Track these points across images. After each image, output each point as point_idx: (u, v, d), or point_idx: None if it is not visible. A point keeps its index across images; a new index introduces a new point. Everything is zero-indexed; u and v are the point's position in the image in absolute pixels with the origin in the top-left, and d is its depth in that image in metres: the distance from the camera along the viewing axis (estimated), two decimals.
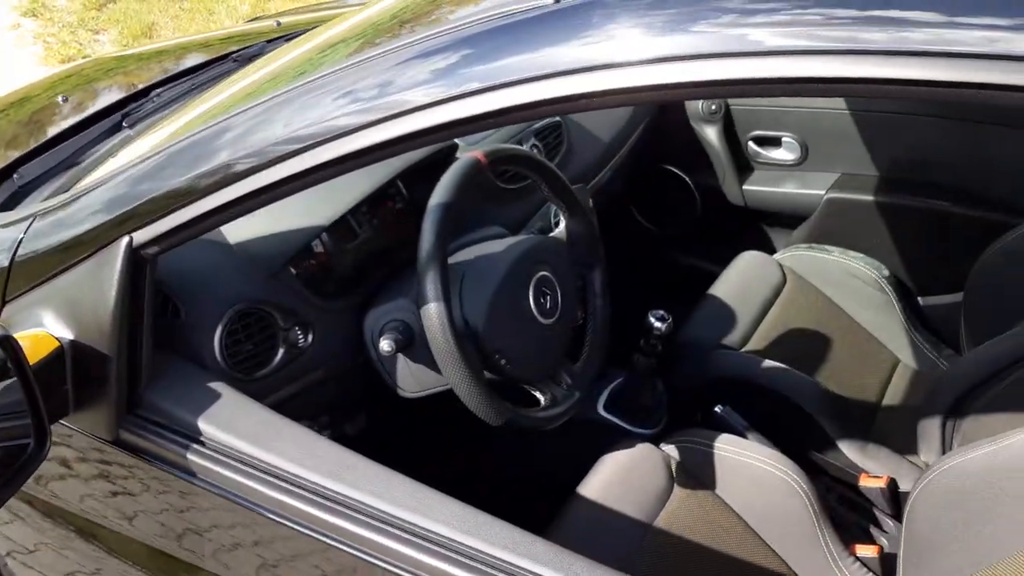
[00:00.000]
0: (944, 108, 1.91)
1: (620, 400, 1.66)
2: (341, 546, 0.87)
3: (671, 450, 1.50)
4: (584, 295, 1.42)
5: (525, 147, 1.62)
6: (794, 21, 0.68)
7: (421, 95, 0.86)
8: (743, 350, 1.76)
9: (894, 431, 1.68)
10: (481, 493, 1.91)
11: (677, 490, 1.45)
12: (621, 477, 1.44)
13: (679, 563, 1.37)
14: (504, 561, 0.81)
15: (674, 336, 1.72)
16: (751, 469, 1.46)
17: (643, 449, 1.48)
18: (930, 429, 1.52)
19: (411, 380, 1.24)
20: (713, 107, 2.13)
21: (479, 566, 0.81)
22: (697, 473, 1.47)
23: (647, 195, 2.34)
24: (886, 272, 1.97)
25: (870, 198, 2.02)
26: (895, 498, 1.57)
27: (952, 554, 1.25)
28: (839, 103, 2.00)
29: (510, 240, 1.27)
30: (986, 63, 0.61)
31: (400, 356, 1.23)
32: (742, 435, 1.58)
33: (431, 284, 1.05)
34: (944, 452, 1.52)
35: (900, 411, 1.73)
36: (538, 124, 1.69)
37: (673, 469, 1.47)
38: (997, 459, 1.20)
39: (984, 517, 1.21)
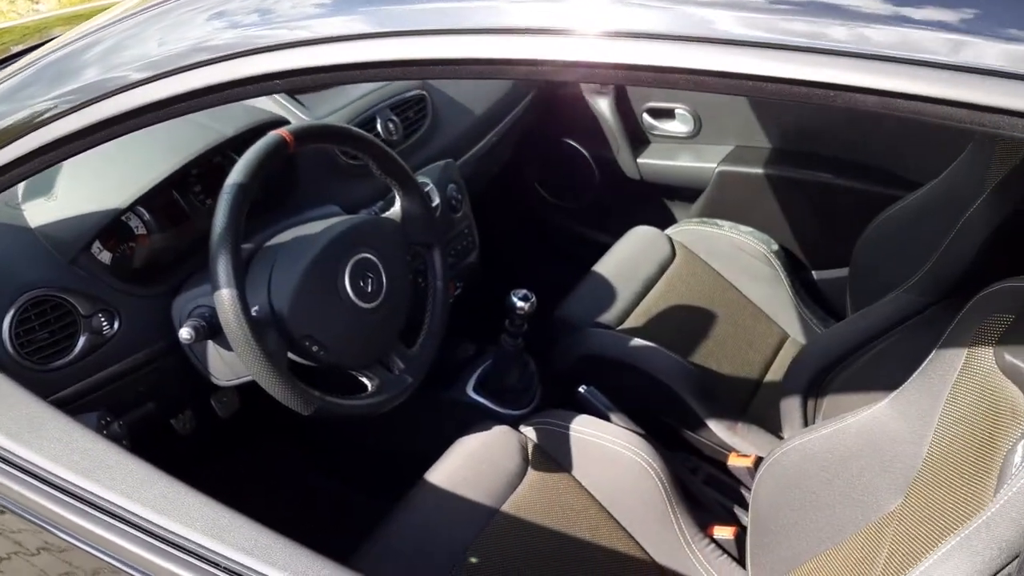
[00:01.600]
0: None
1: (489, 381, 1.63)
2: (85, 547, 0.83)
3: (529, 432, 1.47)
4: (425, 277, 1.38)
5: (379, 121, 1.57)
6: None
7: (308, 29, 0.73)
8: (620, 328, 1.73)
9: (769, 408, 1.66)
10: (343, 467, 1.89)
11: (531, 473, 1.42)
12: (472, 460, 1.41)
13: (526, 545, 1.34)
14: (246, 567, 0.77)
15: (553, 314, 1.69)
16: (606, 451, 1.44)
17: (498, 432, 1.45)
18: (791, 407, 1.50)
19: (223, 368, 1.20)
20: None
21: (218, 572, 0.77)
22: (553, 455, 1.45)
23: (549, 169, 2.30)
24: (775, 246, 1.95)
25: (760, 171, 1.98)
26: None
27: (793, 536, 1.24)
28: None
29: (330, 221, 1.22)
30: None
31: (211, 343, 1.19)
32: (605, 416, 1.56)
33: (221, 269, 1.00)
34: (809, 418, 1.50)
35: (781, 388, 1.71)
36: (397, 97, 1.63)
37: (529, 451, 1.44)
38: (834, 440, 1.19)
39: (823, 499, 1.20)
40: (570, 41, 0.64)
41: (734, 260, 1.92)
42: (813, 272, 2.00)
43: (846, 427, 1.18)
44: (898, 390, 1.13)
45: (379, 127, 1.58)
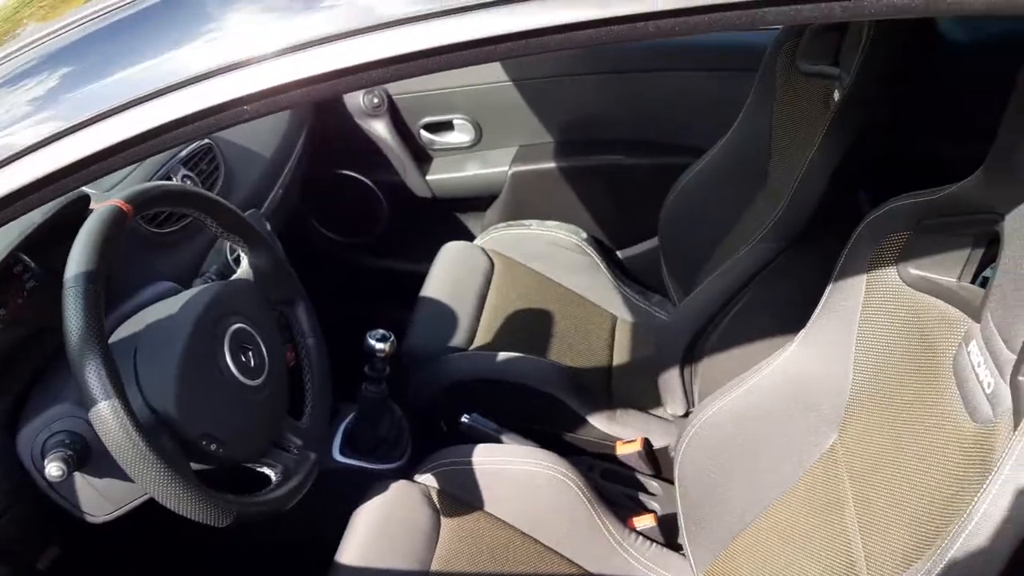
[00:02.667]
0: (598, 63, 1.92)
1: (357, 438, 1.47)
2: None
3: (428, 479, 1.35)
4: (292, 337, 1.21)
5: (175, 180, 1.36)
6: None
7: (27, 135, 0.66)
8: (472, 348, 1.64)
9: (634, 390, 1.66)
10: None
11: (445, 522, 1.30)
12: (380, 528, 1.26)
13: None
14: None
15: (398, 352, 1.56)
16: (515, 475, 1.35)
17: (396, 489, 1.31)
18: (669, 381, 1.51)
19: (100, 501, 0.96)
20: (375, 100, 1.98)
21: None
22: (461, 496, 1.33)
23: (328, 205, 2.15)
24: (584, 235, 1.96)
25: (551, 165, 1.99)
26: (652, 457, 1.55)
27: (734, 502, 1.22)
28: (503, 76, 1.95)
29: (186, 295, 1.02)
30: None
31: (78, 475, 0.94)
32: (496, 439, 1.47)
33: (94, 378, 0.79)
34: (687, 399, 1.52)
35: (633, 367, 1.72)
36: (183, 151, 1.42)
37: (435, 500, 1.31)
38: (752, 396, 1.19)
39: (755, 456, 1.20)
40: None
41: (550, 256, 1.91)
42: (619, 252, 2.04)
43: (761, 380, 1.19)
44: (805, 329, 1.16)
45: None
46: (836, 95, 1.40)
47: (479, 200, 2.09)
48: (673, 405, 1.53)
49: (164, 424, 0.89)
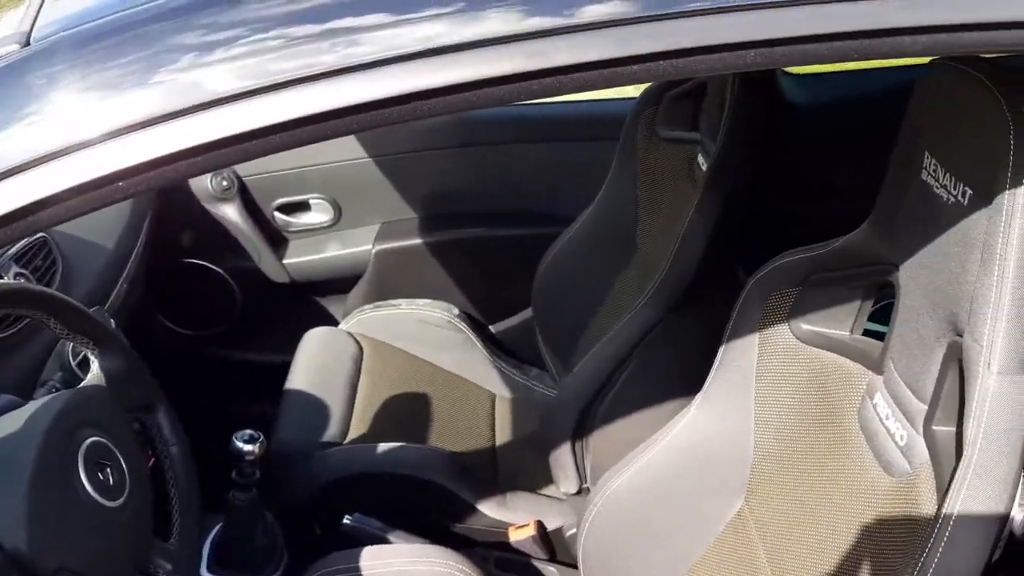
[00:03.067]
0: (458, 136, 1.89)
1: (226, 552, 1.32)
2: None
3: None
4: (153, 446, 1.07)
5: (6, 279, 1.20)
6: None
7: None
8: (347, 441, 1.53)
9: (521, 469, 1.59)
10: None
11: None
12: None
13: None
14: None
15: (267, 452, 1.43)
16: None
17: None
18: (560, 458, 1.45)
19: None
20: (224, 183, 1.86)
21: None
22: None
23: (176, 297, 1.99)
24: (456, 311, 1.90)
25: (416, 241, 1.93)
26: (547, 540, 1.47)
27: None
28: (361, 152, 1.88)
29: (30, 408, 0.88)
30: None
31: None
32: (383, 539, 1.36)
33: None
34: (580, 475, 1.46)
35: (518, 446, 1.65)
36: (13, 247, 1.27)
37: None
38: (654, 468, 1.15)
39: (652, 540, 1.15)
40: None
41: (421, 335, 1.84)
42: (492, 327, 1.99)
43: (660, 451, 1.15)
44: (700, 394, 1.13)
45: None
46: (700, 159, 1.42)
47: (341, 282, 2.00)
48: (566, 483, 1.47)
49: (14, 563, 0.75)
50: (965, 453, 0.67)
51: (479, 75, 0.56)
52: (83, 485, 0.86)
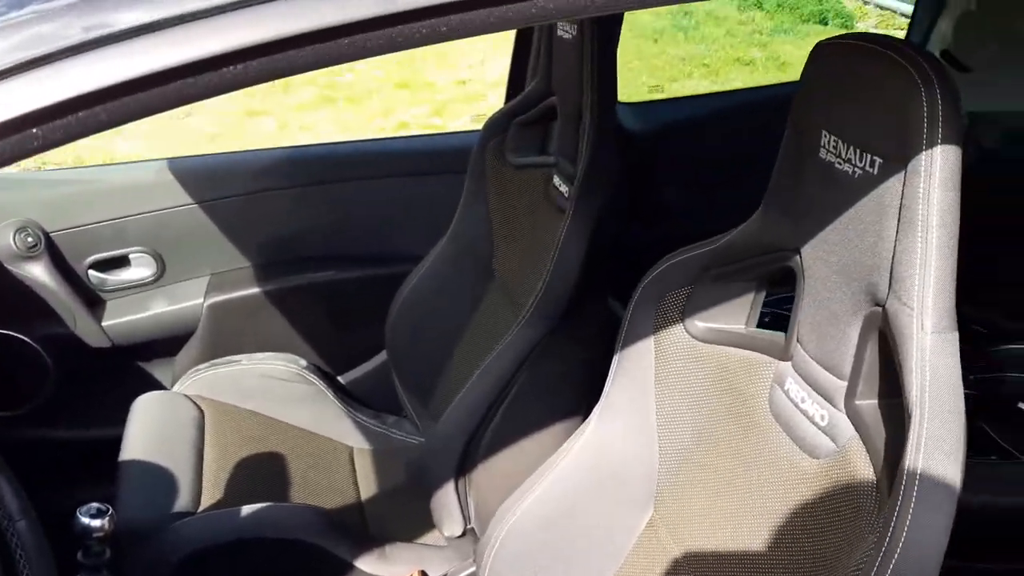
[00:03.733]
0: (294, 176, 1.81)
1: None
2: None
3: None
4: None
5: None
6: None
7: None
8: (201, 510, 1.37)
9: (393, 520, 1.49)
10: None
11: None
12: None
13: None
14: None
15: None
16: None
17: None
18: (443, 499, 1.37)
19: None
20: (30, 239, 1.66)
21: None
22: None
23: None
24: (303, 362, 1.78)
25: (253, 291, 1.80)
26: None
27: None
28: (185, 199, 1.74)
29: None
30: None
31: None
32: None
33: None
34: (464, 516, 1.39)
35: (386, 496, 1.56)
36: None
37: None
38: (557, 489, 1.10)
39: (571, 554, 1.10)
40: None
41: (267, 392, 1.70)
42: (342, 377, 1.88)
43: (562, 471, 1.11)
44: (598, 407, 1.10)
45: None
46: (556, 180, 1.43)
47: (170, 342, 1.82)
48: (450, 526, 1.39)
49: None
50: (913, 417, 0.67)
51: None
52: None
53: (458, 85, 4.80)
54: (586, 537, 1.09)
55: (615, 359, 1.09)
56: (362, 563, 1.36)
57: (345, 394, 1.81)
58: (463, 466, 1.34)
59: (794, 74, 0.89)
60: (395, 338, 1.71)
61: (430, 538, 1.46)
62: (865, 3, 5.90)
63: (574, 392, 1.31)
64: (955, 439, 0.66)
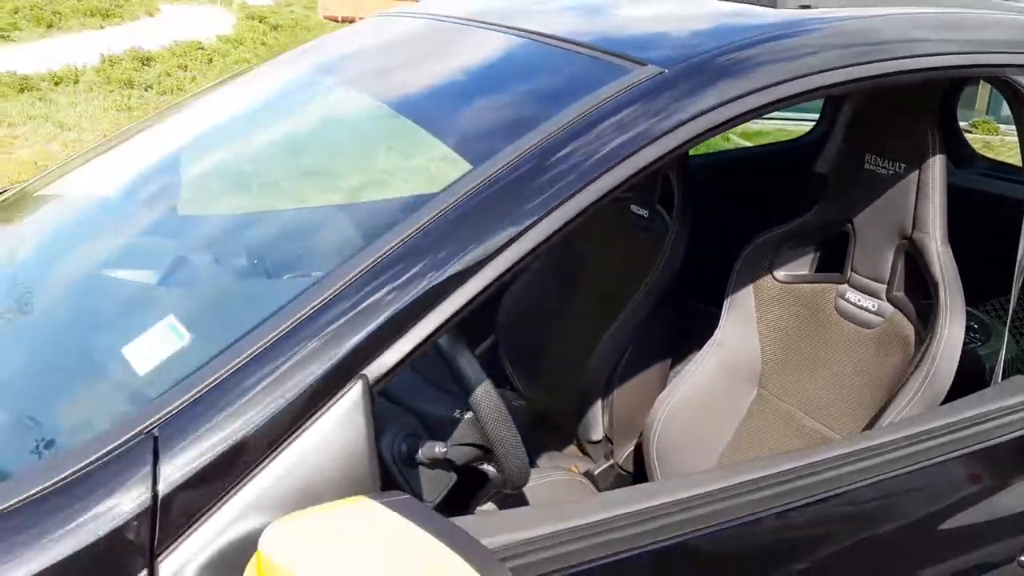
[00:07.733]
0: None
1: None
2: None
3: None
4: None
5: None
6: None
7: None
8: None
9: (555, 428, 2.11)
10: None
11: None
12: None
13: None
14: None
15: None
16: None
17: None
18: (592, 414, 2.01)
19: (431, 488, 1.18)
20: None
21: None
22: None
23: None
24: None
25: None
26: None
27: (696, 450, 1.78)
28: None
29: None
30: None
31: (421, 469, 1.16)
32: None
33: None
34: (602, 424, 2.02)
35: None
36: None
37: None
38: (697, 382, 1.78)
39: (702, 428, 1.77)
40: None
41: None
42: None
43: (695, 376, 1.78)
44: (716, 334, 1.79)
45: None
46: (633, 207, 2.13)
47: None
48: (595, 432, 2.02)
49: None
50: (940, 291, 1.42)
51: None
52: None
53: None
54: (715, 411, 1.78)
55: (726, 303, 1.80)
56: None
57: None
58: (606, 390, 1.99)
59: None
60: (505, 326, 2.33)
61: (570, 451, 2.09)
62: None
63: (677, 344, 2.00)
64: (962, 302, 1.41)
